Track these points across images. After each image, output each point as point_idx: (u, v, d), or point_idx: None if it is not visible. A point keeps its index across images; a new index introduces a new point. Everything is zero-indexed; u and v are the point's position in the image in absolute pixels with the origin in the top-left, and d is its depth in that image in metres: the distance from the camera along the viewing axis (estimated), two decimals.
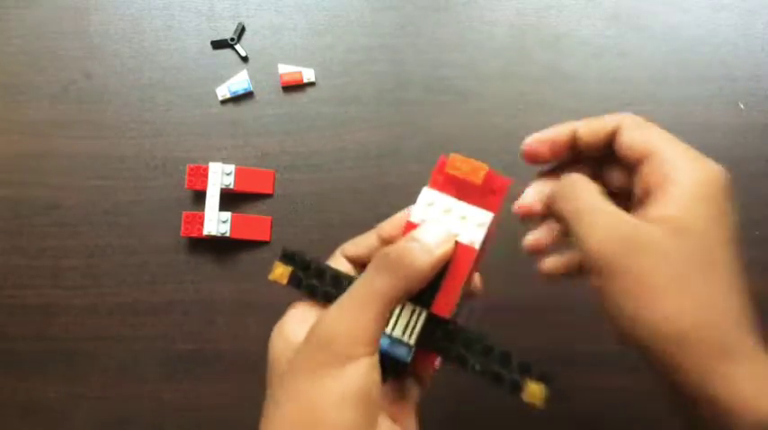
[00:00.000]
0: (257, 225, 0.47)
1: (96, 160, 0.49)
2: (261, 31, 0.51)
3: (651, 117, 0.51)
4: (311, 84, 0.50)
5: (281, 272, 0.29)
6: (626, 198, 0.30)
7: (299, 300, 0.30)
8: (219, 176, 0.47)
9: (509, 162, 0.37)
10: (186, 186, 0.47)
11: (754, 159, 0.48)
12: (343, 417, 0.23)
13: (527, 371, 0.26)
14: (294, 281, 0.29)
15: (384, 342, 0.27)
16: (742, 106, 0.49)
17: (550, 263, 0.33)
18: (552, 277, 0.33)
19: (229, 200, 0.47)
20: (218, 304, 0.47)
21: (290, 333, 0.27)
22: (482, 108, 0.49)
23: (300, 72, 0.49)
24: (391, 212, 0.32)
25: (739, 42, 0.50)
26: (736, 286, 0.27)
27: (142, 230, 0.48)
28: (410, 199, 0.29)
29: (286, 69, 0.50)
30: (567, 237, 0.30)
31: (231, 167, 0.47)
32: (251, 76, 0.50)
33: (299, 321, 0.27)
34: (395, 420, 0.27)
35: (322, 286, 0.29)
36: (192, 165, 0.47)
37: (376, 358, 0.24)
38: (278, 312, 0.36)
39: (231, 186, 0.47)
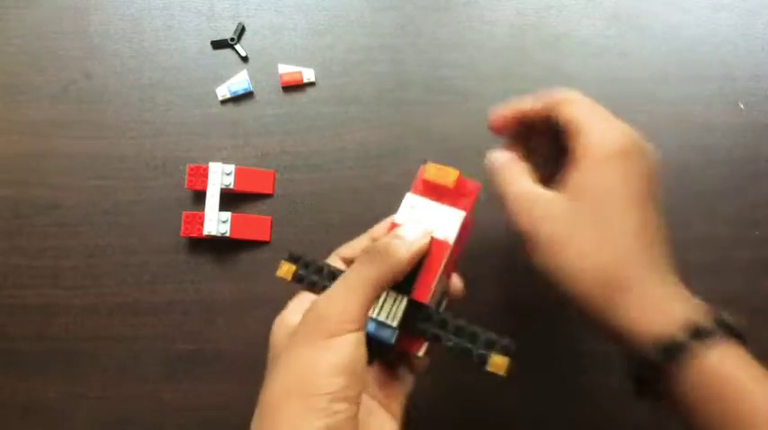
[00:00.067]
0: (257, 225, 0.47)
1: (96, 160, 0.49)
2: (261, 31, 0.51)
3: (651, 117, 0.51)
4: (311, 84, 0.50)
5: (286, 269, 0.34)
6: None
7: (300, 292, 0.34)
8: (219, 176, 0.47)
9: None
10: (186, 186, 0.47)
11: (754, 159, 0.48)
12: (332, 384, 0.26)
13: (491, 346, 0.30)
14: (297, 277, 0.34)
15: (371, 326, 0.30)
16: (742, 106, 0.49)
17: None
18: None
19: (229, 200, 0.47)
20: (218, 304, 0.47)
21: (290, 320, 0.31)
22: (482, 108, 0.48)
23: (300, 72, 0.49)
24: (391, 212, 0.36)
25: (739, 42, 0.50)
26: (635, 233, 0.31)
27: (142, 230, 0.48)
28: None
29: (286, 69, 0.50)
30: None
31: (231, 167, 0.47)
32: (251, 76, 0.50)
33: (298, 311, 0.31)
34: (383, 404, 0.32)
35: (321, 281, 0.33)
36: (191, 165, 0.47)
37: (362, 335, 0.28)
38: (278, 312, 0.36)
39: (231, 186, 0.47)
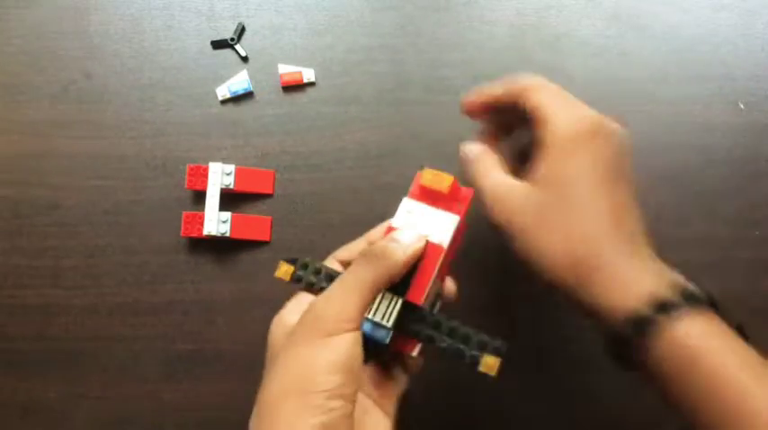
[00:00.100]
0: (257, 225, 0.47)
1: (96, 160, 0.49)
2: (261, 31, 0.51)
3: (651, 117, 0.51)
4: (311, 84, 0.50)
5: (284, 270, 0.35)
6: None
7: (297, 293, 0.35)
8: (219, 176, 0.47)
9: None
10: (186, 186, 0.47)
11: (754, 159, 0.48)
12: (329, 381, 0.27)
13: (483, 347, 0.31)
14: (295, 277, 0.34)
15: (366, 326, 0.31)
16: (742, 106, 0.49)
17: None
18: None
19: (229, 200, 0.47)
20: (218, 304, 0.47)
21: (288, 320, 0.32)
22: None
23: (300, 72, 0.49)
24: (390, 212, 0.36)
25: (739, 42, 0.50)
26: (603, 214, 0.32)
27: (142, 230, 0.48)
28: None
29: (286, 69, 0.50)
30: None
31: (231, 167, 0.47)
32: (251, 76, 0.50)
33: (296, 311, 0.32)
34: (378, 403, 0.33)
35: (318, 282, 0.34)
36: (191, 165, 0.47)
37: (359, 335, 0.29)
38: (277, 311, 0.37)
39: (231, 186, 0.47)
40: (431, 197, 0.34)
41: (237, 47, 0.50)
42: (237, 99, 0.50)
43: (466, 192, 0.34)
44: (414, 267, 0.32)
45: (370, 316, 0.31)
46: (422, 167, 0.34)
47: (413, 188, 0.34)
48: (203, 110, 0.49)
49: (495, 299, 0.46)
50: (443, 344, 0.31)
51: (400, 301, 0.31)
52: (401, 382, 0.35)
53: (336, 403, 0.27)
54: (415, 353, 0.33)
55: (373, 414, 0.33)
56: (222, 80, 0.50)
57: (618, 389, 0.44)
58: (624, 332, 0.30)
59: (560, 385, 0.45)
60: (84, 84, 0.50)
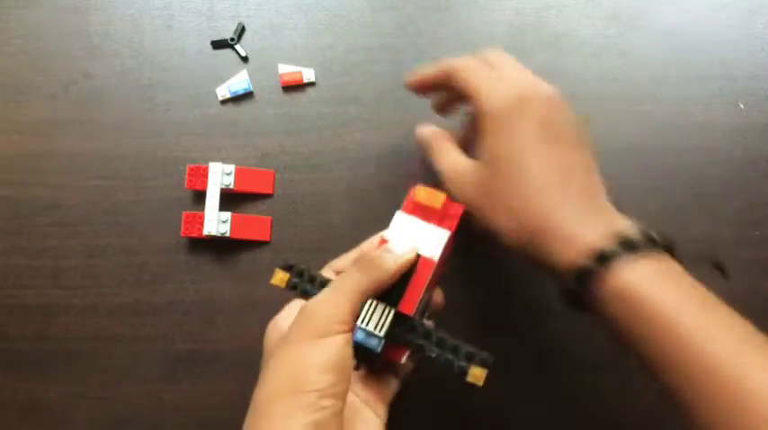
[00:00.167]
0: (257, 225, 0.47)
1: (96, 160, 0.49)
2: (261, 31, 0.51)
3: (651, 117, 0.51)
4: (311, 84, 0.50)
5: (280, 277, 0.35)
6: None
7: (293, 299, 0.36)
8: (219, 176, 0.47)
9: None
10: (186, 186, 0.47)
11: (754, 159, 0.48)
12: (320, 381, 0.28)
13: (471, 358, 0.32)
14: (291, 285, 0.35)
15: (359, 335, 0.32)
16: (742, 106, 0.49)
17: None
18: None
19: (229, 200, 0.47)
20: (218, 304, 0.47)
21: (283, 325, 0.33)
22: None
23: (300, 72, 0.49)
24: (391, 212, 0.36)
25: (739, 42, 0.50)
26: (542, 177, 0.33)
27: (142, 230, 0.48)
28: None
29: (286, 69, 0.50)
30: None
31: (231, 167, 0.47)
32: (251, 76, 0.50)
33: (291, 317, 0.32)
34: (369, 404, 0.34)
35: (312, 289, 0.35)
36: (191, 166, 0.47)
37: (349, 336, 0.30)
38: (277, 312, 0.36)
39: (231, 186, 0.47)
40: (423, 212, 0.35)
41: (237, 47, 0.50)
42: (237, 99, 0.50)
43: (457, 208, 0.36)
44: (406, 279, 0.33)
45: (363, 325, 0.32)
46: (415, 184, 0.36)
47: (406, 202, 0.36)
48: (203, 110, 0.49)
49: (495, 299, 0.46)
50: (433, 354, 0.32)
51: (393, 312, 0.33)
52: (392, 385, 0.36)
53: (328, 402, 0.27)
54: (402, 361, 0.34)
55: (364, 414, 0.34)
56: (222, 80, 0.50)
57: (618, 389, 0.44)
58: (572, 286, 0.32)
59: (560, 385, 0.45)
60: (84, 84, 0.50)
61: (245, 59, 0.50)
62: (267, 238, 0.47)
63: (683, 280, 0.31)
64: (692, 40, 0.50)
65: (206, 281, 0.47)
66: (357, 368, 0.36)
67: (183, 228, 0.46)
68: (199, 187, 0.47)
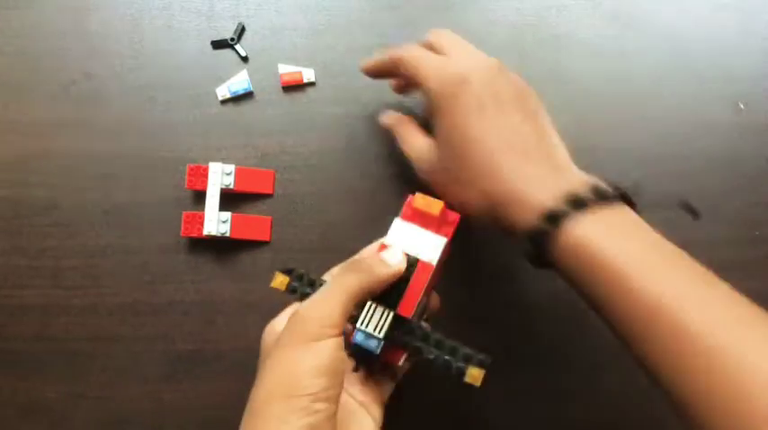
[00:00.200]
0: (257, 225, 0.47)
1: (96, 160, 0.49)
2: (261, 31, 0.51)
3: (651, 117, 0.51)
4: (311, 84, 0.50)
5: (280, 280, 0.36)
6: None
7: (292, 302, 0.36)
8: (219, 176, 0.47)
9: None
10: (186, 186, 0.47)
11: (754, 159, 0.48)
12: (314, 385, 0.28)
13: (469, 359, 0.32)
14: (290, 288, 0.35)
15: (359, 336, 0.33)
16: (742, 106, 0.49)
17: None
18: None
19: (229, 200, 0.47)
20: (218, 304, 0.47)
21: (279, 328, 0.33)
22: None
23: (300, 72, 0.49)
24: (390, 213, 0.36)
25: (739, 42, 0.50)
26: (493, 150, 0.35)
27: (142, 230, 0.48)
28: None
29: (286, 69, 0.50)
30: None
31: (231, 167, 0.47)
32: (251, 76, 0.50)
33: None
34: (364, 406, 0.34)
35: (312, 293, 0.34)
36: (191, 165, 0.47)
37: (341, 340, 0.30)
38: (277, 312, 0.36)
39: (231, 186, 0.47)
40: (422, 219, 0.36)
41: (237, 47, 0.50)
42: (237, 99, 0.50)
43: (454, 216, 0.37)
44: (405, 283, 0.34)
45: (362, 327, 0.33)
46: (413, 192, 0.36)
47: (405, 209, 0.36)
48: (203, 110, 0.49)
49: (495, 300, 0.46)
50: (431, 356, 0.33)
51: (392, 314, 0.33)
52: (387, 387, 0.37)
53: (321, 405, 0.28)
54: (400, 363, 0.34)
55: (359, 416, 0.34)
56: (222, 80, 0.50)
57: (618, 389, 0.44)
58: (528, 247, 0.34)
59: (559, 385, 0.45)
60: (84, 84, 0.50)
61: (245, 59, 0.50)
62: (267, 238, 0.47)
63: (633, 229, 0.32)
64: (692, 41, 0.50)
65: (206, 281, 0.47)
66: (356, 369, 0.36)
67: (183, 228, 0.46)
68: (199, 187, 0.47)
